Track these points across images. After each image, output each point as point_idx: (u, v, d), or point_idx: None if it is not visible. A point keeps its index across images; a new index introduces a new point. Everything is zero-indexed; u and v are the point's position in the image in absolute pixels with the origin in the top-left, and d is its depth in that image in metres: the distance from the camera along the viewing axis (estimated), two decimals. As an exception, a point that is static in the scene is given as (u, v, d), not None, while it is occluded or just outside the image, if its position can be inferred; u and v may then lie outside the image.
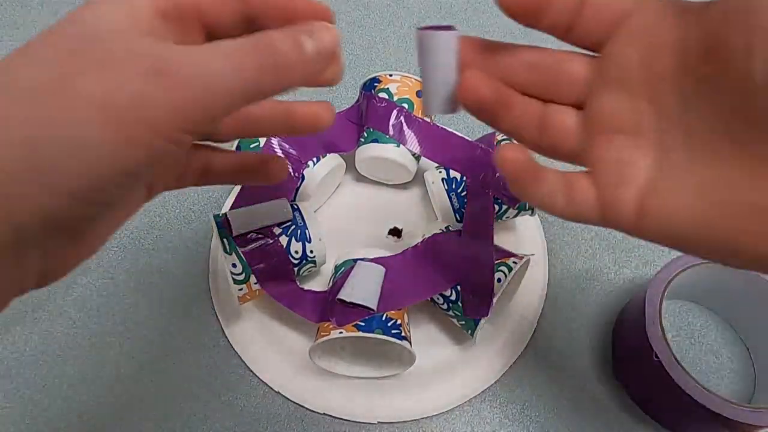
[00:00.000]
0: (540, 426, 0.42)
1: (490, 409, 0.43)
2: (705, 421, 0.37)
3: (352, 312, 0.39)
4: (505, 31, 0.65)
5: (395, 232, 0.49)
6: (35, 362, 0.44)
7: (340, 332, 0.38)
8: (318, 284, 0.46)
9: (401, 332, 0.39)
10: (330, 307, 0.40)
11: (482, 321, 0.40)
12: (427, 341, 0.44)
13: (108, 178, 0.18)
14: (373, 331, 0.38)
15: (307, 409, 0.42)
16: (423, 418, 0.42)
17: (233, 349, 0.45)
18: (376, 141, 0.46)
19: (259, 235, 0.40)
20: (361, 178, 0.51)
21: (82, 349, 0.45)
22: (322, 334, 0.39)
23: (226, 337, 0.45)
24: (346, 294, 0.39)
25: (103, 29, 0.19)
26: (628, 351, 0.43)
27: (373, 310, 0.39)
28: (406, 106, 0.46)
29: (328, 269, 0.46)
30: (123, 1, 0.20)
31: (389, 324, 0.39)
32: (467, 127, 0.57)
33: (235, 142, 0.45)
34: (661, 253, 0.50)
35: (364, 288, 0.39)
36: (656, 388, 0.40)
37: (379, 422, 0.42)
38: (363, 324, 0.38)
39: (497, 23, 0.66)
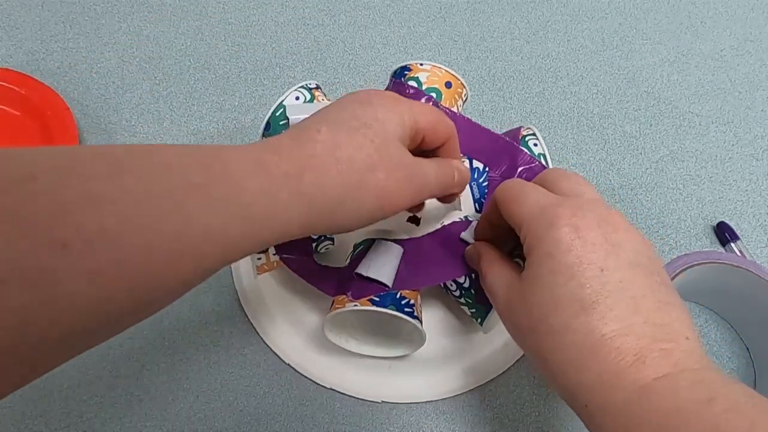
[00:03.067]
0: (539, 426, 0.42)
1: (491, 409, 0.43)
2: (705, 421, 0.37)
3: (368, 287, 0.40)
4: (504, 30, 0.65)
5: (413, 220, 0.49)
6: (35, 362, 0.44)
7: (355, 305, 0.39)
8: (334, 263, 0.47)
9: (414, 311, 0.40)
10: (347, 282, 0.41)
11: (493, 309, 0.40)
12: (437, 327, 0.45)
13: (365, 222, 0.31)
14: (386, 307, 0.38)
15: (313, 382, 0.43)
16: (426, 402, 0.43)
17: (249, 321, 0.45)
18: None
19: None
20: None
21: (82, 349, 0.45)
22: (336, 306, 0.40)
23: (243, 310, 0.46)
24: (363, 269, 0.40)
25: (388, 136, 0.30)
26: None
27: (388, 286, 0.39)
28: (434, 95, 0.46)
29: (344, 250, 0.46)
30: (398, 116, 0.31)
31: (403, 302, 0.39)
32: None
33: (265, 120, 0.46)
34: (661, 253, 0.50)
35: (381, 264, 0.40)
36: (656, 388, 0.39)
37: (383, 401, 0.42)
38: (378, 299, 0.39)
39: (497, 23, 0.66)
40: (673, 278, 0.40)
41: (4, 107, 0.57)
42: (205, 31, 0.65)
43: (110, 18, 0.66)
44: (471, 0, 0.68)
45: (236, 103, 0.59)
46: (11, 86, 0.56)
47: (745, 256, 0.49)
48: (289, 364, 0.44)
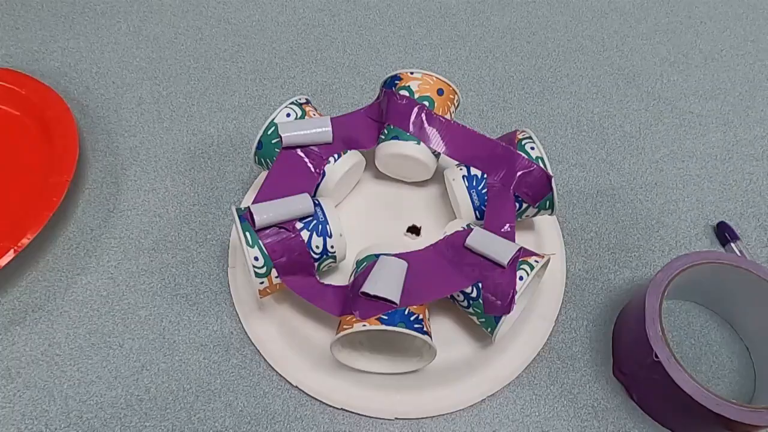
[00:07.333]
0: (540, 426, 0.42)
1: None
2: (705, 421, 0.37)
3: (375, 305, 0.39)
4: (504, 30, 0.65)
5: (414, 230, 0.49)
6: (35, 362, 0.44)
7: (364, 325, 0.38)
8: (336, 280, 0.46)
9: (423, 327, 0.39)
10: (352, 301, 0.40)
11: (503, 319, 0.39)
12: (446, 339, 0.44)
13: None
14: (396, 325, 0.38)
15: (324, 403, 0.43)
16: (440, 416, 0.42)
17: (252, 344, 0.45)
18: (396, 138, 0.46)
19: (281, 229, 0.40)
20: (380, 176, 0.51)
21: (82, 350, 0.45)
22: (344, 327, 0.39)
23: (245, 331, 0.45)
24: (369, 287, 0.39)
25: None
26: (628, 351, 0.43)
27: (396, 303, 0.39)
28: (426, 103, 0.46)
29: (346, 266, 0.46)
30: None
31: (411, 318, 0.39)
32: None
33: (257, 139, 0.46)
34: (661, 253, 0.50)
35: (387, 282, 0.39)
36: (656, 388, 0.40)
37: (396, 418, 0.42)
38: (386, 317, 0.38)
39: (497, 23, 0.66)
40: (673, 278, 0.41)
41: (4, 107, 0.57)
42: (205, 31, 0.65)
43: (110, 18, 0.66)
44: (471, 0, 0.68)
45: (236, 103, 0.59)
46: (11, 86, 0.57)
47: (745, 256, 0.49)
48: (296, 386, 0.43)
